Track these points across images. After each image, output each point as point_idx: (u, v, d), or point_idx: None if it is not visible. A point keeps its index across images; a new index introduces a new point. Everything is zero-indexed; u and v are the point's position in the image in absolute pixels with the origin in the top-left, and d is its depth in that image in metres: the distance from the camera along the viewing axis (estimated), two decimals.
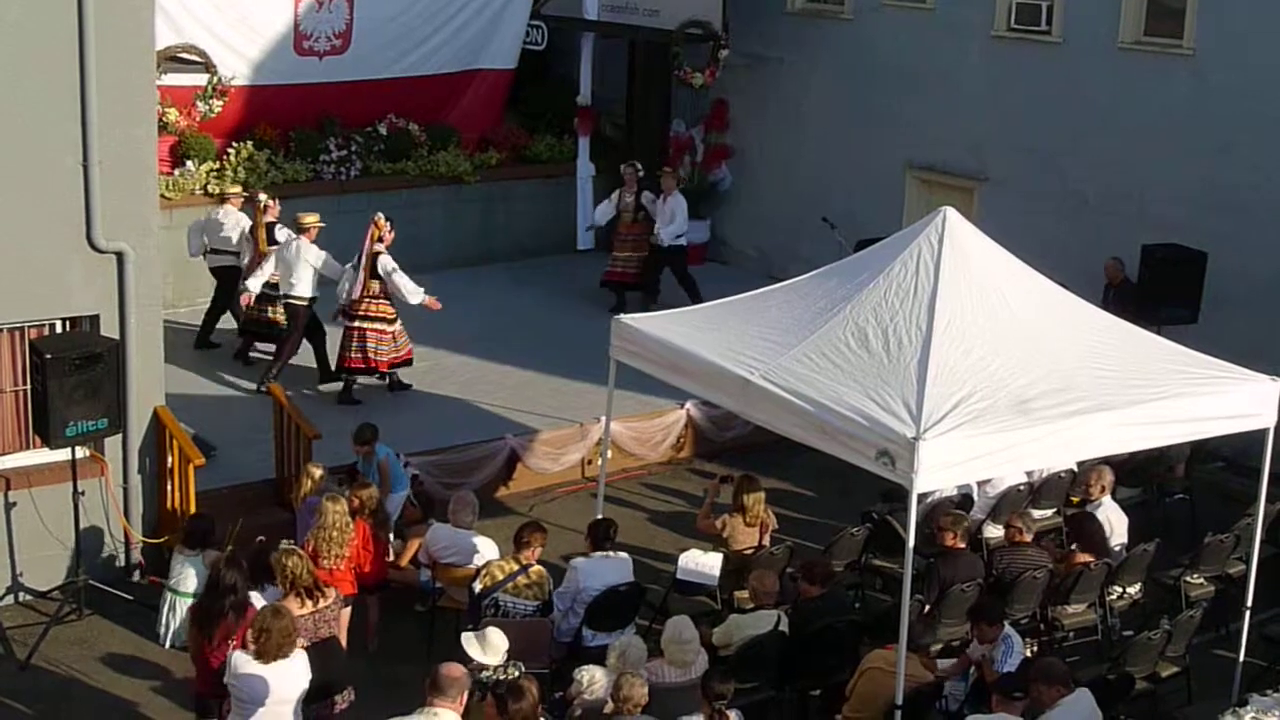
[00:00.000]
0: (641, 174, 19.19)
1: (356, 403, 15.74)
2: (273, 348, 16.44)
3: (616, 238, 19.32)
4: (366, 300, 15.66)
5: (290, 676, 9.16)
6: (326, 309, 16.18)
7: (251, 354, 16.83)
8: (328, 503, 11.14)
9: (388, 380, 16.11)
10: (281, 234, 16.36)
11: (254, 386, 15.85)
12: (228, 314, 17.19)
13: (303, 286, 15.78)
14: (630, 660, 9.82)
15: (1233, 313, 15.57)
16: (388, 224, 15.69)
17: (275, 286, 16.10)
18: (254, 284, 15.84)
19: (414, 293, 15.64)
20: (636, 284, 19.19)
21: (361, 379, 15.97)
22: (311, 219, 15.91)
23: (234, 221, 16.71)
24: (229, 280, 16.92)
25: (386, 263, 15.54)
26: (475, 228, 20.79)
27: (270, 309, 16.36)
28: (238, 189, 17.34)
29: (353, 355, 15.75)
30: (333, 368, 16.10)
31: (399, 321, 15.91)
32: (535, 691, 8.94)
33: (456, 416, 15.66)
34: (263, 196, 16.72)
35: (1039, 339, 10.80)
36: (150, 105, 12.72)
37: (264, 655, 9.07)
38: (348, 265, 15.77)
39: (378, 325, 15.71)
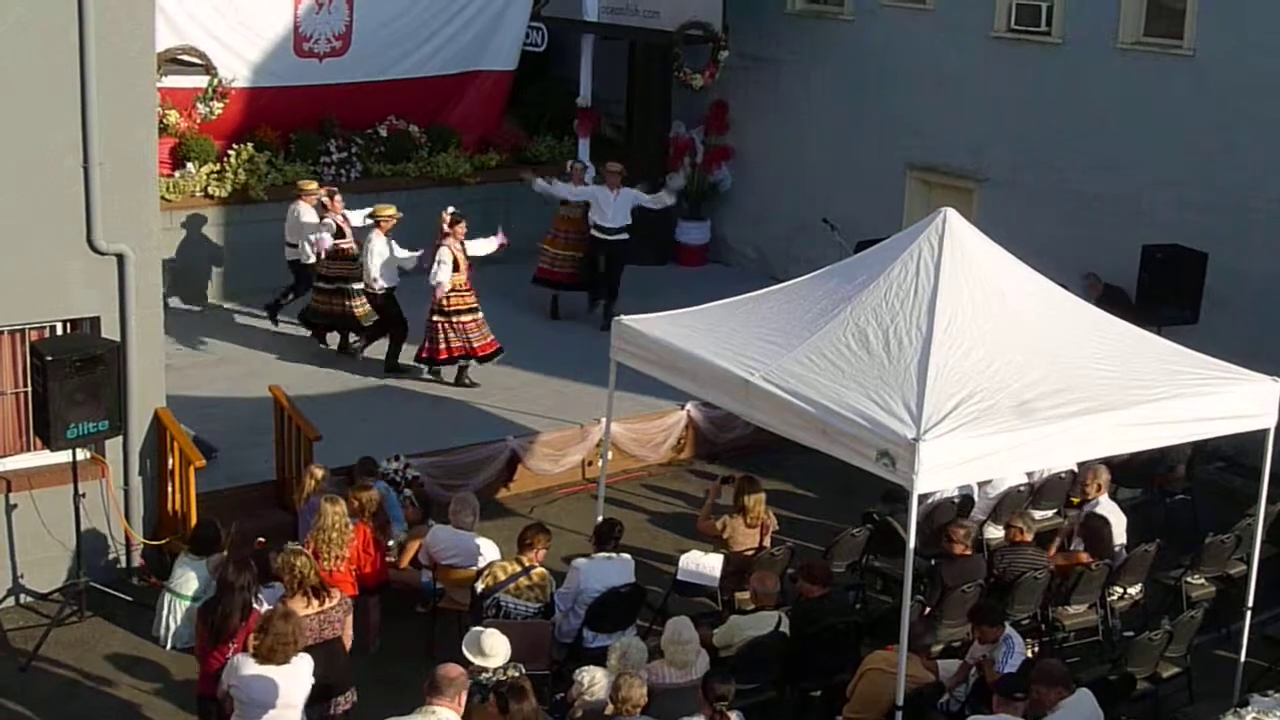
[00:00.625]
0: (589, 170, 19.39)
1: (475, 385, 16.45)
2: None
3: (554, 232, 19.15)
4: (451, 293, 16.15)
5: (291, 681, 9.13)
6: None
7: (351, 346, 17.31)
8: (326, 504, 11.15)
9: (457, 374, 16.55)
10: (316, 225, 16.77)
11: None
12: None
13: (374, 277, 16.28)
14: (631, 661, 9.82)
15: (1233, 313, 15.58)
16: (449, 215, 16.36)
17: (343, 279, 16.68)
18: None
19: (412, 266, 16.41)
20: (571, 285, 19.12)
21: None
22: (387, 211, 16.43)
23: (296, 216, 17.22)
24: (296, 272, 17.46)
25: (441, 254, 16.09)
26: (475, 229, 20.71)
27: (341, 301, 16.80)
28: (313, 185, 17.56)
29: (449, 346, 16.25)
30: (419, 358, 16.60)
31: (480, 311, 16.49)
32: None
33: (457, 418, 15.66)
34: (321, 192, 17.10)
35: (1039, 340, 10.81)
36: (151, 107, 12.71)
37: (260, 656, 9.07)
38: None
39: (465, 316, 16.25)
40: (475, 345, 16.40)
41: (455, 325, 16.26)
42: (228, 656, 9.60)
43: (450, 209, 16.51)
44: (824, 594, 11.21)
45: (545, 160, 21.46)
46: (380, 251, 16.30)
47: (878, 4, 19.57)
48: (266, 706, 9.06)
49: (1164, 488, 14.54)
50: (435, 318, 16.25)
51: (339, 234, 16.65)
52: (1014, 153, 18.17)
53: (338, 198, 16.97)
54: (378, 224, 16.36)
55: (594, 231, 18.67)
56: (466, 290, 16.31)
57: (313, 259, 16.61)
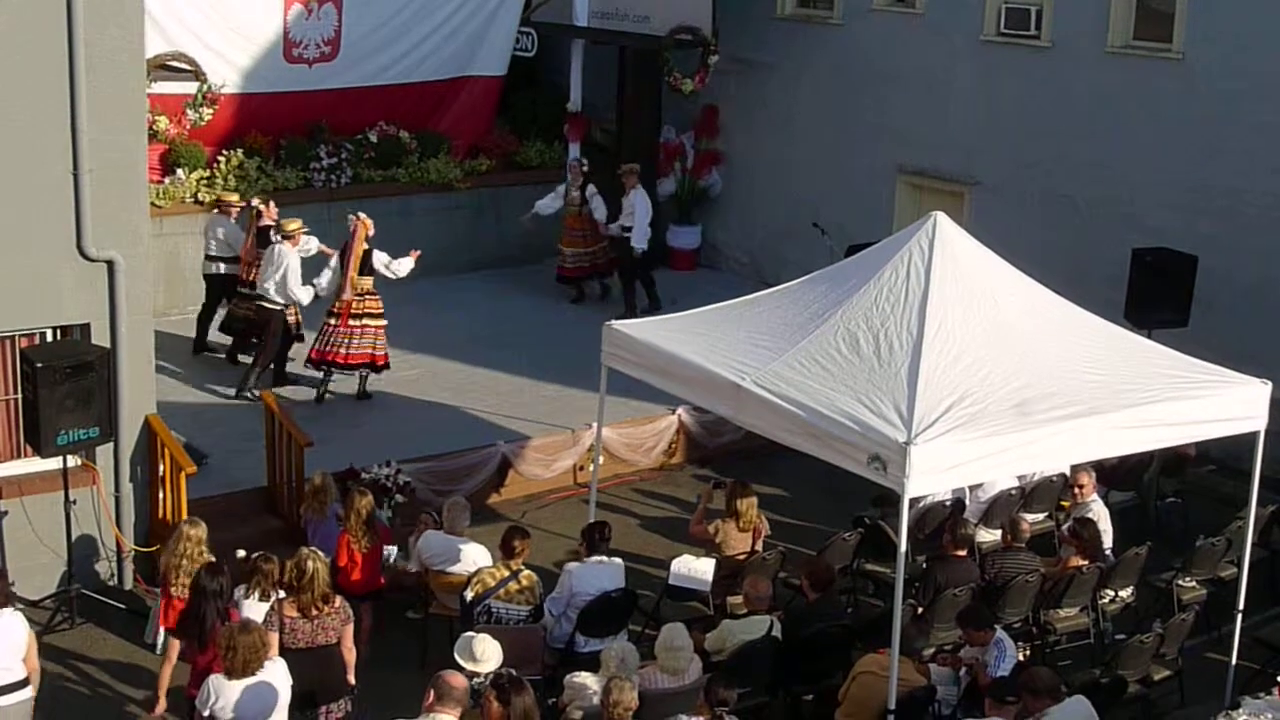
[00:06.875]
0: (586, 168, 19.57)
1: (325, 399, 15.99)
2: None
3: (566, 232, 19.60)
4: (365, 297, 15.87)
5: (271, 688, 9.13)
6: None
7: (241, 356, 16.88)
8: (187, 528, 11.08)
9: (359, 388, 16.14)
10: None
11: (233, 393, 15.98)
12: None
13: (275, 291, 15.87)
14: (626, 666, 9.82)
15: (1222, 316, 15.60)
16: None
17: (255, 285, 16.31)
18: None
19: (405, 265, 16.20)
20: (598, 273, 19.78)
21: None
22: (294, 225, 16.00)
23: (226, 230, 16.96)
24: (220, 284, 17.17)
25: (384, 256, 15.96)
26: (466, 234, 20.78)
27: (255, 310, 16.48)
28: (235, 196, 17.41)
29: (354, 351, 15.85)
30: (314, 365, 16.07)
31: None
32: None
33: (448, 423, 15.65)
34: (255, 201, 16.90)
35: (1030, 343, 10.82)
36: (140, 113, 12.70)
37: (234, 673, 9.04)
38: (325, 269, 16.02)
39: (379, 321, 15.96)
40: (384, 350, 16.18)
41: (380, 330, 16.08)
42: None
43: (360, 213, 16.26)
44: (818, 598, 11.23)
45: (535, 165, 21.47)
46: (296, 267, 15.85)
47: (867, 8, 19.59)
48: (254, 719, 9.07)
49: (1155, 491, 14.55)
50: (378, 321, 16.04)
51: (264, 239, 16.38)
52: (1004, 156, 18.18)
53: (272, 204, 16.77)
54: (288, 238, 15.83)
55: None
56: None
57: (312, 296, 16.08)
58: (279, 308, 15.94)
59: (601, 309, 18.30)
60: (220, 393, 16.09)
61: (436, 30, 20.61)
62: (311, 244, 16.28)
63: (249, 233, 16.65)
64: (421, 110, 20.84)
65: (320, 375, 16.00)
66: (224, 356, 17.00)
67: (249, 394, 15.74)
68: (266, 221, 16.45)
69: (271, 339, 16.06)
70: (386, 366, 16.15)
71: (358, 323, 15.83)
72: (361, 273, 15.78)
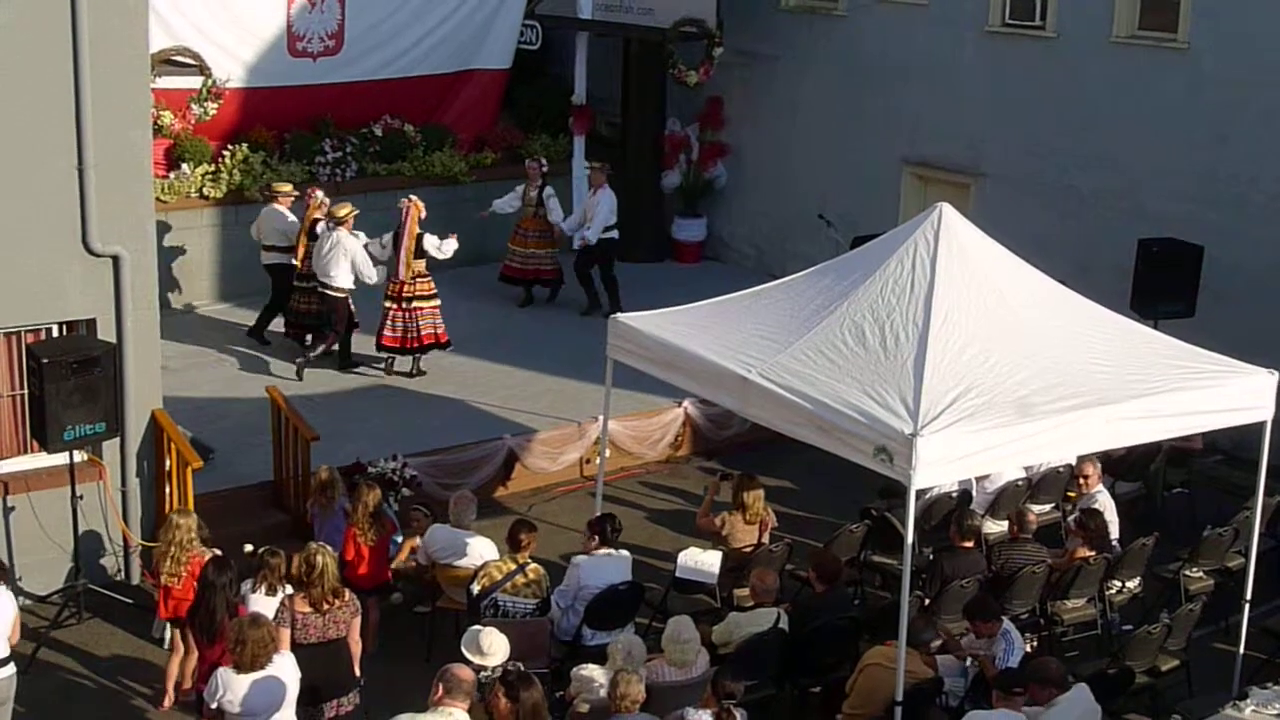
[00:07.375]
0: (545, 169, 19.29)
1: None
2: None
3: (516, 231, 19.27)
4: (417, 280, 16.44)
5: (280, 682, 9.14)
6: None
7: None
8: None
9: (413, 364, 16.71)
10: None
11: (293, 377, 16.31)
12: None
13: (341, 278, 16.25)
14: (634, 660, 9.82)
15: (1229, 306, 15.58)
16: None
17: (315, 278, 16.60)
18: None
19: (450, 246, 16.68)
20: (541, 279, 19.34)
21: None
22: (345, 210, 16.34)
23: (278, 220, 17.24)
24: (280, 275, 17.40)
25: (434, 239, 16.47)
26: (471, 228, 20.74)
27: (319, 299, 16.76)
28: (288, 186, 17.62)
29: (424, 332, 16.56)
30: (376, 349, 16.69)
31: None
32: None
33: (454, 417, 15.66)
34: (319, 193, 17.07)
35: (1036, 334, 10.81)
36: (145, 108, 12.68)
37: (242, 667, 9.06)
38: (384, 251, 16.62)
39: (433, 302, 16.59)
40: (442, 328, 16.84)
41: (438, 310, 16.77)
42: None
43: (413, 195, 16.94)
44: (825, 590, 11.23)
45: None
46: (361, 250, 16.34)
47: None
48: (262, 713, 9.08)
49: (1162, 481, 14.54)
50: (432, 303, 16.68)
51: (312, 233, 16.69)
52: (1009, 147, 18.17)
53: (326, 202, 16.88)
54: (341, 223, 16.19)
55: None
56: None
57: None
58: (344, 294, 16.36)
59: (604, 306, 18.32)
60: (227, 387, 16.10)
61: (441, 24, 20.58)
62: (361, 237, 16.52)
63: (305, 222, 16.78)
64: (426, 104, 20.83)
65: (413, 359, 16.72)
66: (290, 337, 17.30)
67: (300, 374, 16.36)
68: (317, 215, 16.63)
69: (340, 323, 16.52)
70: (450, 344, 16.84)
71: (409, 305, 16.42)
72: (415, 256, 16.32)
